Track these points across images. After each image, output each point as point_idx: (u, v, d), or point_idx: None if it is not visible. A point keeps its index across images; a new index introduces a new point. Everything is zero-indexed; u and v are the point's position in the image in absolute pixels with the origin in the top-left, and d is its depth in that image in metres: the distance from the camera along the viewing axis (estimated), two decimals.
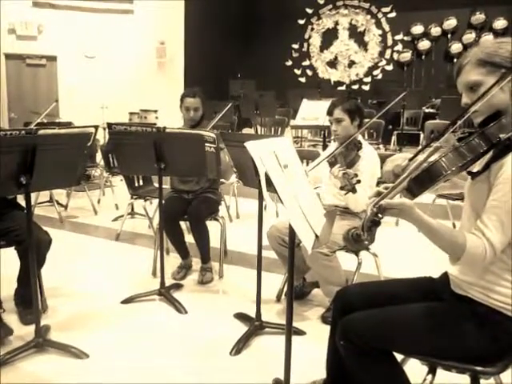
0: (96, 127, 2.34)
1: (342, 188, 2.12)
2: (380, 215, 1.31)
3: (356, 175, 2.08)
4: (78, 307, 2.86)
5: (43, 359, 2.28)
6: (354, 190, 2.08)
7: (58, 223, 4.80)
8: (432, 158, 1.32)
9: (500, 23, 8.95)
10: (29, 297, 2.37)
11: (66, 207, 5.41)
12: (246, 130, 9.13)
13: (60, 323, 2.64)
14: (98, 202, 5.72)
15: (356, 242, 1.32)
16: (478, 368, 1.41)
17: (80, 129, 2.33)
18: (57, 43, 8.86)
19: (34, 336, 2.31)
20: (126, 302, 2.93)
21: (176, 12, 9.68)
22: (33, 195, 2.42)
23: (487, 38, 8.87)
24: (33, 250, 2.28)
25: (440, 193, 4.17)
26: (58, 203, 5.22)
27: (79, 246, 4.17)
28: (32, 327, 2.34)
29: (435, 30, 9.52)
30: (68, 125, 5.51)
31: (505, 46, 1.38)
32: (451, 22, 9.38)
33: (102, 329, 2.60)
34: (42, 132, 2.12)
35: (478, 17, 9.13)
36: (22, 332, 2.48)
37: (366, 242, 1.33)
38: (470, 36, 9.20)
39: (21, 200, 2.44)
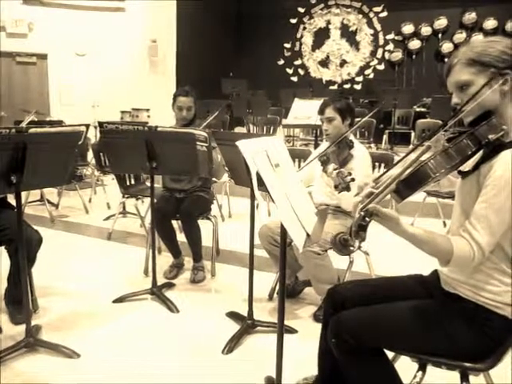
0: (87, 126, 2.33)
1: (336, 187, 2.13)
2: (367, 219, 1.31)
3: (350, 173, 2.09)
4: (70, 307, 2.85)
5: (34, 359, 2.27)
6: (348, 189, 2.09)
7: (48, 222, 4.77)
8: (422, 159, 1.32)
9: (490, 23, 9.02)
10: (19, 296, 2.35)
11: (57, 206, 5.38)
12: (238, 129, 9.13)
13: (51, 323, 2.63)
14: (90, 201, 5.69)
15: (343, 247, 1.31)
16: (468, 364, 1.43)
17: (71, 127, 2.32)
18: (47, 41, 8.79)
19: (24, 336, 2.30)
20: (117, 301, 2.92)
21: (168, 10, 9.64)
22: (23, 194, 2.40)
23: (477, 37, 8.94)
24: (23, 249, 2.27)
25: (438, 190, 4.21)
26: (49, 202, 5.19)
27: (70, 245, 4.15)
28: (23, 327, 2.33)
29: (425, 30, 9.58)
30: (59, 123, 5.48)
31: (494, 45, 1.38)
32: (442, 22, 9.44)
33: (93, 328, 2.59)
34: (32, 130, 2.10)
35: (469, 16, 9.20)
36: (13, 332, 2.46)
37: (352, 248, 1.31)
38: (460, 36, 9.26)
39: (11, 199, 2.42)
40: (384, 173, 1.51)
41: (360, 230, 1.30)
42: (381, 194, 1.33)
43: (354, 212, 1.33)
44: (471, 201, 1.37)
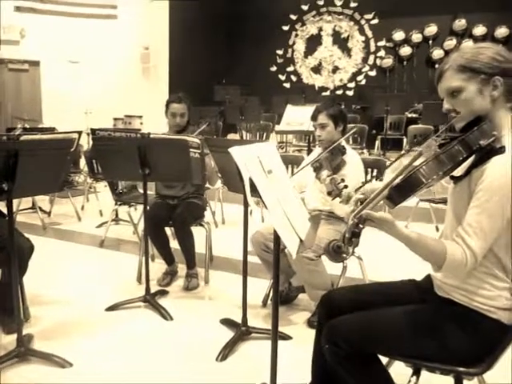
0: (79, 133, 2.33)
1: (329, 193, 2.14)
2: (361, 226, 1.31)
3: (343, 180, 2.10)
4: (62, 315, 2.82)
5: (26, 369, 2.24)
6: (341, 195, 2.10)
7: (40, 230, 4.73)
8: (414, 164, 1.33)
9: (480, 30, 9.14)
10: (10, 305, 2.33)
11: (49, 214, 5.34)
12: (231, 136, 9.13)
13: (43, 332, 2.60)
14: (82, 208, 5.66)
15: (337, 254, 1.31)
16: (461, 369, 1.43)
17: (63, 135, 2.31)
18: (40, 48, 8.75)
19: (16, 345, 2.27)
20: (110, 309, 2.90)
21: (160, 18, 9.65)
22: (15, 202, 2.39)
23: (467, 44, 9.04)
24: (14, 258, 2.25)
25: (432, 197, 4.26)
26: (41, 210, 5.15)
27: (62, 253, 4.12)
28: (14, 336, 2.30)
29: (416, 37, 9.68)
30: (51, 130, 5.45)
31: (484, 52, 1.40)
32: (432, 29, 9.54)
33: (86, 337, 2.57)
34: (24, 138, 2.09)
35: (459, 23, 9.31)
36: (4, 341, 2.44)
37: (346, 254, 1.31)
38: (451, 42, 9.36)
39: (2, 207, 2.40)
40: (367, 181, 1.52)
41: (353, 236, 1.30)
42: (373, 200, 1.33)
43: (347, 219, 1.33)
44: (463, 205, 1.38)
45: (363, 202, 1.36)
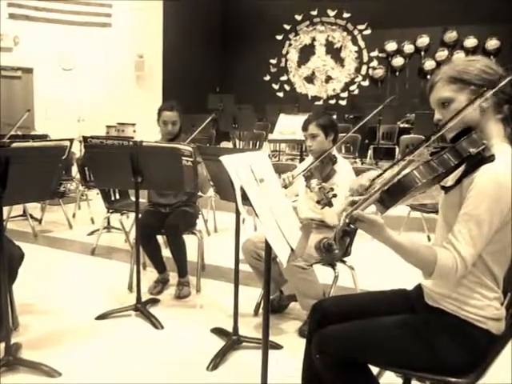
0: (71, 140, 2.32)
1: (318, 202, 2.15)
2: (352, 225, 1.33)
3: (332, 189, 2.11)
4: (51, 324, 2.79)
5: (14, 378, 2.21)
6: (330, 204, 2.11)
7: (31, 238, 4.70)
8: (405, 171, 1.35)
9: (471, 41, 9.27)
10: None
11: (40, 221, 5.30)
12: (224, 144, 9.15)
13: (32, 341, 2.57)
14: (74, 215, 5.63)
15: (327, 252, 1.32)
16: (452, 379, 1.43)
17: (54, 142, 2.30)
18: (33, 55, 8.75)
19: (3, 354, 2.24)
20: (100, 317, 2.87)
21: (154, 26, 9.70)
22: (5, 209, 2.37)
23: (459, 55, 9.17)
24: (4, 266, 2.23)
25: (418, 202, 4.26)
26: (32, 217, 5.12)
27: (53, 260, 4.09)
28: (2, 345, 2.27)
29: (408, 47, 9.80)
30: (43, 137, 5.43)
31: (474, 64, 1.43)
32: (424, 40, 9.67)
33: (75, 346, 2.54)
34: (15, 145, 2.08)
35: (451, 35, 9.45)
36: None
37: (337, 251, 1.33)
38: (442, 53, 9.49)
39: None
40: (385, 171, 1.51)
41: (344, 235, 1.31)
42: (365, 202, 1.35)
43: (338, 219, 1.34)
44: (454, 214, 1.39)
45: (356, 203, 1.37)
